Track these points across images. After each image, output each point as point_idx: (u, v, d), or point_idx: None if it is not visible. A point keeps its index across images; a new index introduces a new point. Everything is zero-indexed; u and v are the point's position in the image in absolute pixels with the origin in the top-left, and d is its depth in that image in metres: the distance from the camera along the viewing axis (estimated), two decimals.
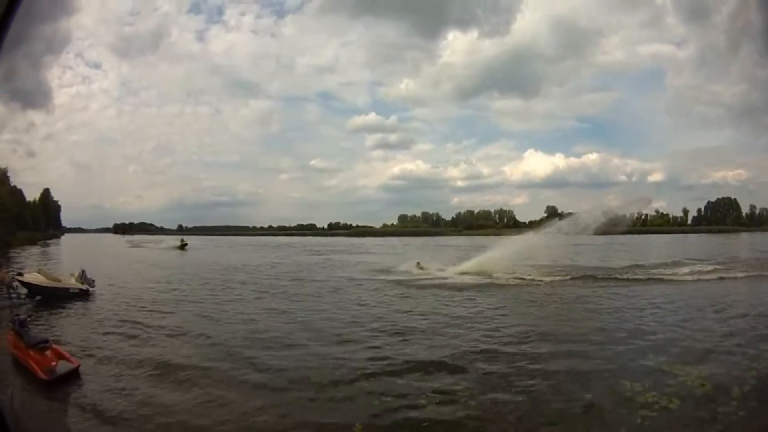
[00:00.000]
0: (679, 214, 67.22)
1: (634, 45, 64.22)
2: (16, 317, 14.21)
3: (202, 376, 12.14)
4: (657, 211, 67.44)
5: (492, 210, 68.72)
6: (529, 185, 64.68)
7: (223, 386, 11.49)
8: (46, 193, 56.80)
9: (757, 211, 68.01)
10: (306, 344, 14.89)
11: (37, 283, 21.93)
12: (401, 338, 15.31)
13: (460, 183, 66.10)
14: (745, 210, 67.32)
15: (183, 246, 50.11)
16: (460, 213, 69.40)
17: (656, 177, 60.00)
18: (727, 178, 60.53)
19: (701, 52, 48.36)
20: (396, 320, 17.87)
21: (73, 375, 12.20)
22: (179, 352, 14.23)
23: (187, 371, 12.49)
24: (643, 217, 65.10)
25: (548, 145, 75.85)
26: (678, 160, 57.23)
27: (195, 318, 18.90)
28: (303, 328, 17.09)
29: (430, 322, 17.63)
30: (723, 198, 66.46)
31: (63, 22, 67.29)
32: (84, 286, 22.82)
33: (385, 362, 12.89)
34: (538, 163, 62.40)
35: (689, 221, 67.82)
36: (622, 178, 61.55)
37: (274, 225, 68.51)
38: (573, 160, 63.22)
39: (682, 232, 61.91)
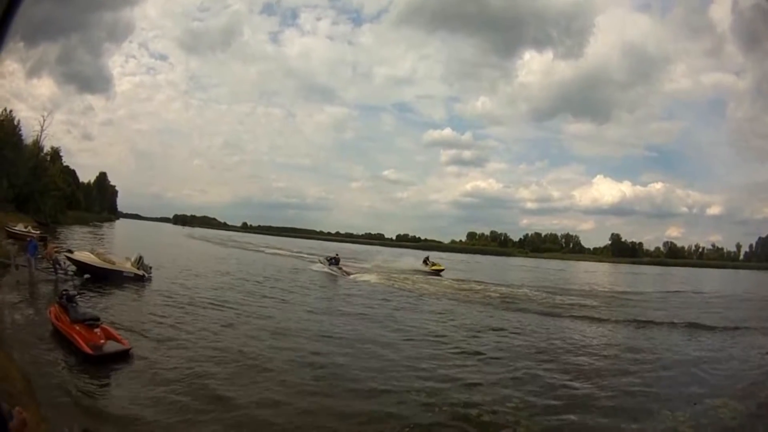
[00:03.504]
0: (733, 249, 64.32)
1: (698, 73, 62.30)
2: (64, 292, 13.99)
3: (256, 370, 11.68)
4: (713, 245, 64.73)
5: (559, 234, 67.01)
6: (596, 211, 63.63)
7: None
8: (102, 176, 57.74)
9: None
10: None
11: (89, 263, 21.71)
12: None
13: (530, 204, 66.23)
14: None
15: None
16: (527, 234, 67.89)
17: (715, 210, 59.58)
18: None
19: (759, 83, 45.69)
20: None
21: (122, 356, 11.85)
22: (237, 346, 13.73)
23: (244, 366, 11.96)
24: (700, 250, 63.50)
25: (617, 172, 73.72)
26: (735, 193, 55.43)
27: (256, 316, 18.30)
28: None
29: None
30: None
31: (125, 11, 69.46)
32: (140, 272, 22.54)
33: None
34: (606, 190, 61.13)
35: (741, 256, 64.94)
36: (684, 209, 60.47)
37: (342, 231, 68.27)
38: (639, 188, 61.92)
39: (734, 267, 59.22)
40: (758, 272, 54.99)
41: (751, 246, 64.76)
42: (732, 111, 58.30)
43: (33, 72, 48.67)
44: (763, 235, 63.24)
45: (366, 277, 31.05)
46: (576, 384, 12.25)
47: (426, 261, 37.75)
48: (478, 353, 14.77)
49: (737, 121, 54.17)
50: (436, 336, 16.79)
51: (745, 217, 62.37)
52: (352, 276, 31.31)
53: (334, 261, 33.34)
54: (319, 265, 33.80)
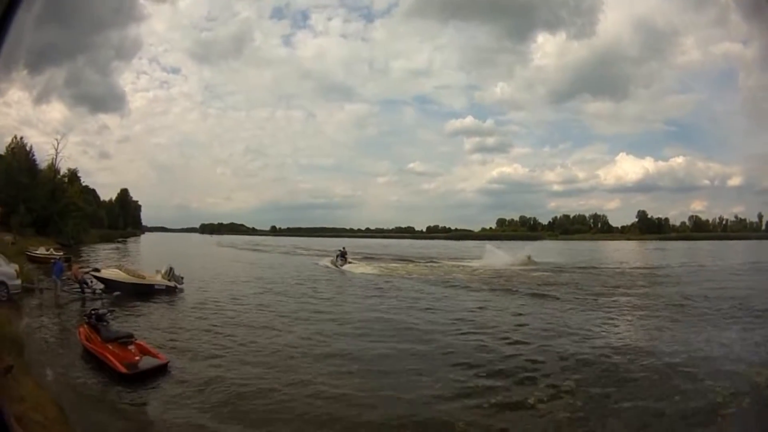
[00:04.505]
0: (755, 219, 62.51)
1: (707, 44, 60.40)
2: (93, 312, 13.42)
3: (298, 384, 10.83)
4: (736, 217, 63.51)
5: (587, 214, 66.43)
6: (621, 189, 63.17)
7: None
8: (123, 192, 58.14)
9: None
10: None
11: (117, 279, 21.49)
12: None
13: (556, 187, 66.07)
14: None
15: None
16: (556, 217, 67.59)
17: (735, 181, 58.95)
18: None
19: (764, 49, 43.88)
20: None
21: (160, 371, 11.39)
22: (273, 353, 13.28)
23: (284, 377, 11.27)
24: (724, 222, 63.36)
25: (639, 149, 72.06)
26: (753, 163, 54.42)
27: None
28: None
29: None
30: None
31: (131, 28, 69.51)
32: (171, 283, 22.19)
33: None
34: (629, 167, 61.04)
35: (763, 227, 63.16)
36: (706, 182, 59.97)
37: (372, 227, 68.15)
38: (661, 163, 61.70)
39: (758, 237, 57.83)
40: None
41: None
42: (743, 80, 57.17)
43: (41, 98, 49.00)
44: None
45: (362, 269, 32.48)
46: None
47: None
48: None
49: (749, 90, 53.05)
50: None
51: (765, 186, 61.09)
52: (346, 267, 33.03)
53: (341, 255, 34.51)
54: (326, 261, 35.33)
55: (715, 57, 55.65)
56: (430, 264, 37.11)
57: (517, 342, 14.19)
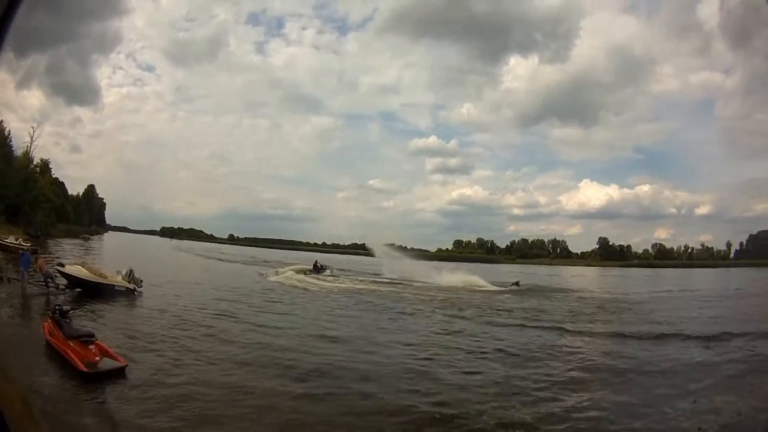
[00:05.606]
0: (723, 248, 65.20)
1: (686, 73, 62.63)
2: (57, 307, 13.83)
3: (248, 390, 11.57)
4: (703, 245, 65.43)
5: (546, 239, 67.72)
6: (583, 215, 63.19)
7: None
8: (90, 188, 56.72)
9: None
10: None
11: (81, 276, 21.35)
12: None
13: (516, 211, 65.67)
14: None
15: None
16: (515, 241, 68.18)
17: (704, 210, 58.37)
18: None
19: (747, 80, 46.42)
20: None
21: (118, 374, 11.74)
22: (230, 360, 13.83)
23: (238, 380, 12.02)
24: (689, 251, 63.02)
25: (604, 176, 72.97)
26: (724, 192, 55.66)
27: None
28: None
29: None
30: (764, 231, 64.63)
31: (114, 21, 68.08)
32: (131, 285, 22.16)
33: None
34: (593, 194, 61.00)
35: (732, 255, 65.93)
36: (672, 210, 59.44)
37: (328, 242, 68.30)
38: (627, 191, 61.60)
39: (726, 266, 60.32)
40: (749, 269, 56.41)
41: (741, 244, 65.10)
42: (720, 109, 58.77)
43: (23, 83, 48.07)
44: (754, 233, 64.02)
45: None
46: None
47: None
48: None
49: (726, 120, 54.22)
50: None
51: (734, 216, 61.33)
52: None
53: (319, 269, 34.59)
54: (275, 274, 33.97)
55: (693, 86, 56.60)
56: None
57: None
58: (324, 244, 66.57)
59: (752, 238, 64.86)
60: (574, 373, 14.08)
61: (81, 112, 65.04)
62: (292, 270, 34.99)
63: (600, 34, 62.59)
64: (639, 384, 13.24)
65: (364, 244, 65.13)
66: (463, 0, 58.31)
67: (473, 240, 69.06)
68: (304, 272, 34.35)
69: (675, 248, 63.13)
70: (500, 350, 16.60)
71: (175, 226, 68.56)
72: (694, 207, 58.60)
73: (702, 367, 14.76)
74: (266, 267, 37.90)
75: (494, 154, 68.99)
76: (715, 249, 65.26)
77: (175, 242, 64.70)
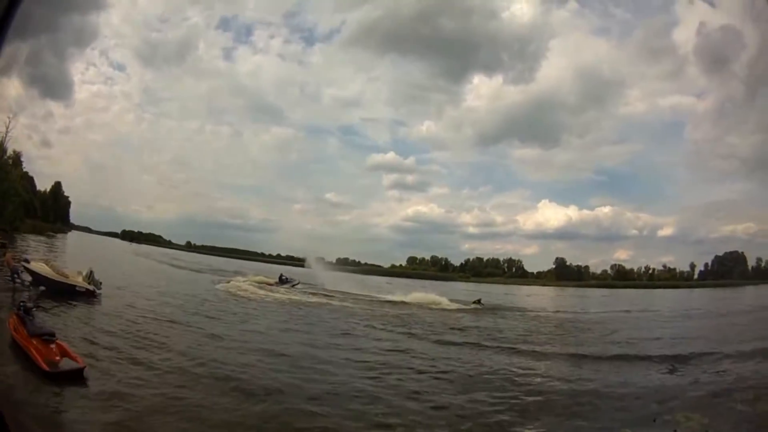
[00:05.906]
0: (687, 268, 67.08)
1: (655, 97, 63.63)
2: (22, 303, 14.06)
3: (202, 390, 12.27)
4: (664, 266, 67.17)
5: (501, 259, 68.79)
6: (540, 236, 63.86)
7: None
8: (57, 186, 55.74)
9: (763, 264, 67.40)
10: None
11: (44, 275, 21.39)
12: None
13: (472, 229, 65.80)
14: (751, 263, 66.77)
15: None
16: (469, 259, 69.16)
17: (666, 231, 59.23)
18: (736, 231, 59.17)
19: (721, 104, 48.00)
20: None
21: (77, 375, 11.96)
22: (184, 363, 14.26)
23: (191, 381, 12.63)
24: (650, 271, 63.49)
25: (563, 197, 73.66)
26: (689, 214, 57.12)
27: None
28: None
29: None
30: (730, 252, 65.86)
31: (93, 15, 67.86)
32: (91, 287, 22.07)
33: None
34: (551, 214, 61.54)
35: (696, 276, 67.68)
36: (633, 232, 60.21)
37: (283, 254, 68.24)
38: (586, 212, 62.31)
39: (689, 286, 62.23)
40: (713, 290, 57.08)
41: (706, 265, 65.88)
42: (690, 132, 59.50)
43: (3, 71, 47.77)
44: (720, 254, 65.41)
45: None
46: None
47: None
48: None
49: (696, 143, 55.40)
50: None
51: (700, 237, 61.51)
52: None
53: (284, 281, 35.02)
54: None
55: (661, 109, 56.10)
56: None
57: None
58: (279, 256, 66.60)
59: (718, 259, 66.42)
60: (529, 398, 14.20)
61: (53, 106, 63.56)
62: (254, 281, 34.87)
63: (568, 56, 62.91)
64: (597, 408, 13.50)
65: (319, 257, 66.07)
66: (432, 17, 59.65)
67: (427, 257, 70.35)
68: (268, 284, 34.35)
69: (635, 269, 65.24)
70: (453, 371, 16.70)
71: (135, 230, 68.05)
72: (656, 229, 58.52)
73: (663, 388, 15.13)
74: (224, 276, 37.76)
75: (452, 172, 69.40)
76: (678, 270, 67.12)
77: (134, 246, 64.36)
